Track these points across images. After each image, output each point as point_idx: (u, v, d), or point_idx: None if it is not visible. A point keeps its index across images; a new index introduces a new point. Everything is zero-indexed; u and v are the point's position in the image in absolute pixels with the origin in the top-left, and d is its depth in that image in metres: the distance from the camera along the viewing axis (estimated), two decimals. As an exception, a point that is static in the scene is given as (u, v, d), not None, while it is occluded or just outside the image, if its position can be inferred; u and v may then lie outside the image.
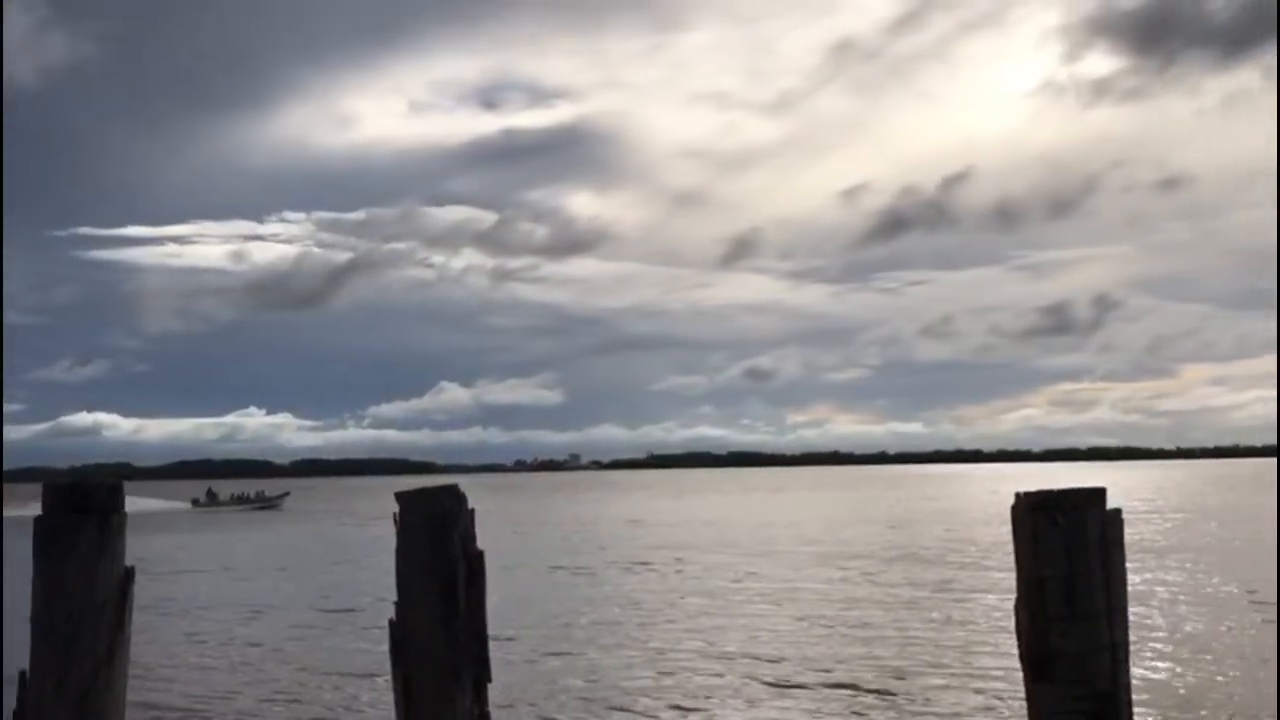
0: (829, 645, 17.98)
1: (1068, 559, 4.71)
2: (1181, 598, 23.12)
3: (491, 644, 5.25)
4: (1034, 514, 4.78)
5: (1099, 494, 4.83)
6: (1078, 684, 4.69)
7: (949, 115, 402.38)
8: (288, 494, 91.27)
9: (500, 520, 58.19)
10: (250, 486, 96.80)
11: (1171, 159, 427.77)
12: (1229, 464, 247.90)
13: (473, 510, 5.24)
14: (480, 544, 5.34)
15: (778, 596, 24.40)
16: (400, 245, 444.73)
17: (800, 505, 74.39)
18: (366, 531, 49.28)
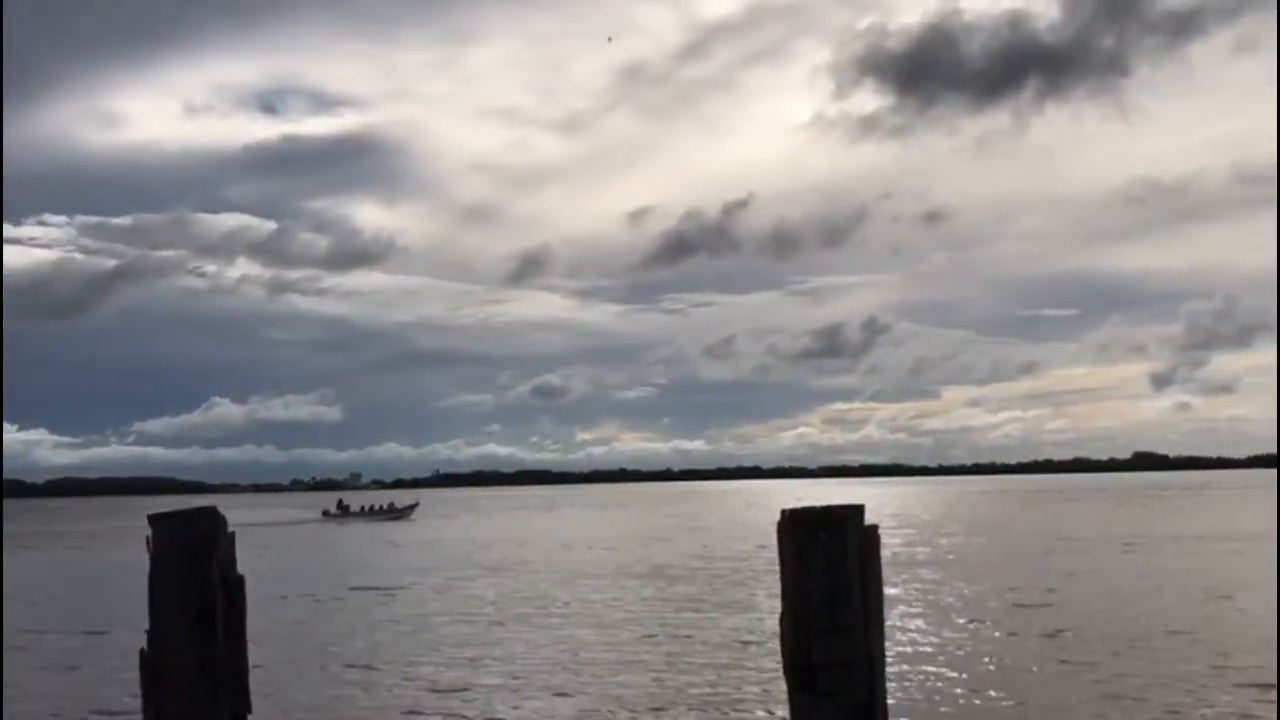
0: (574, 664, 17.98)
1: (829, 573, 4.89)
2: (938, 607, 24.44)
3: (253, 673, 5.02)
4: (797, 530, 4.95)
5: (858, 510, 5.04)
6: (837, 694, 4.87)
7: (732, 143, 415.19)
8: (417, 504, 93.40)
9: (271, 542, 55.96)
10: (381, 498, 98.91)
11: (934, 193, 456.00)
12: (985, 480, 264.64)
13: (233, 533, 5.01)
14: (243, 569, 5.11)
15: (539, 618, 24.39)
16: (170, 253, 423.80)
17: (574, 523, 74.76)
18: (115, 554, 46.24)
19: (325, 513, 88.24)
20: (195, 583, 4.94)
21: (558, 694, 15.53)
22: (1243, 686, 14.80)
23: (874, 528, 5.04)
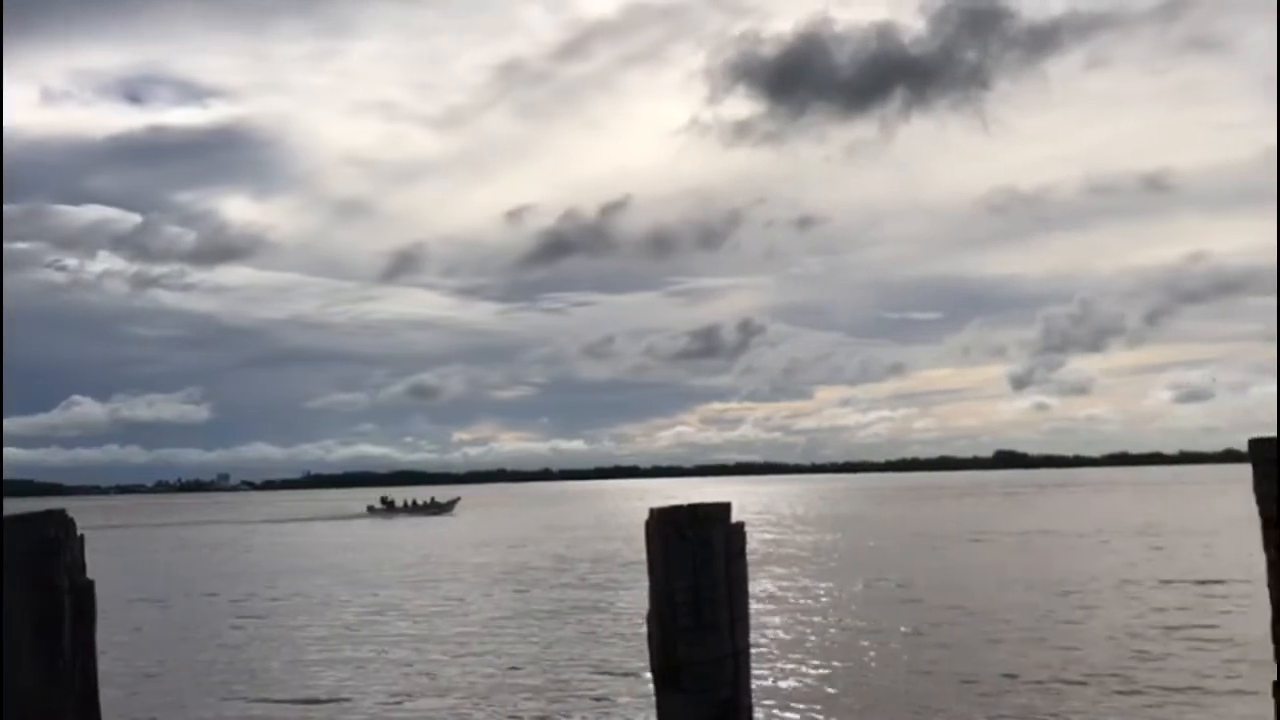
0: (404, 667, 17.88)
1: (695, 572, 4.94)
2: (802, 602, 24.95)
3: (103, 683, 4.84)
4: (664, 529, 4.99)
5: (724, 508, 5.10)
6: (703, 692, 4.92)
7: (611, 144, 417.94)
8: (459, 500, 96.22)
9: (128, 545, 54.03)
10: (422, 494, 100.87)
11: (806, 199, 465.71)
12: (855, 478, 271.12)
13: (82, 537, 4.82)
14: (94, 573, 4.93)
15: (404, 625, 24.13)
16: (27, 245, 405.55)
17: (444, 526, 73.91)
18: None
19: (370, 509, 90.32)
20: (42, 589, 4.74)
21: (397, 698, 15.36)
22: (1087, 680, 15.44)
23: (740, 525, 5.12)
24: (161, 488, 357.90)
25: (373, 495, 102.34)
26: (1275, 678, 5.85)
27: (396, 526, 72.60)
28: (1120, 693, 14.29)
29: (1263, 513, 5.77)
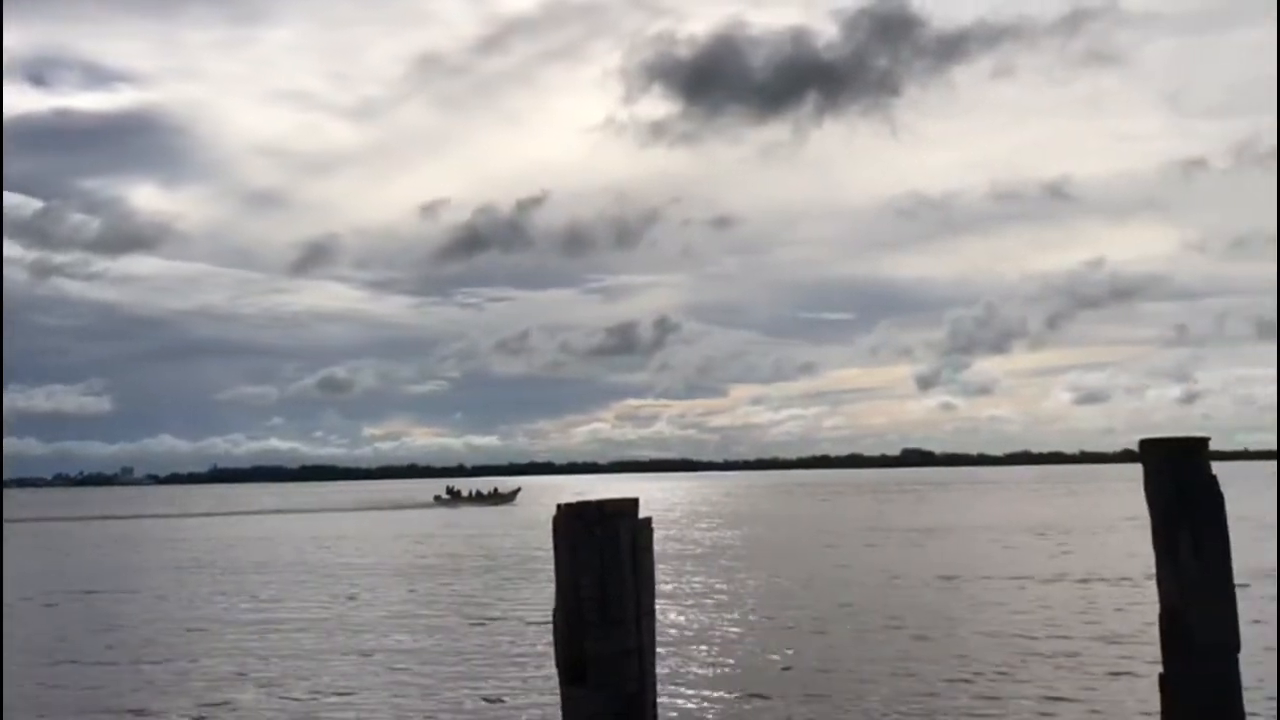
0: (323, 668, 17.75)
1: (602, 567, 4.94)
2: (708, 597, 25.17)
3: None
4: (572, 524, 4.99)
5: (632, 504, 5.11)
6: (608, 686, 4.93)
7: (528, 139, 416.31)
8: (519, 490, 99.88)
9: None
10: (485, 484, 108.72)
11: (722, 199, 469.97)
12: (767, 475, 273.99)
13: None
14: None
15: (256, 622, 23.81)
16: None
17: (340, 523, 72.93)
18: None
19: (437, 498, 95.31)
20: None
21: (290, 698, 15.15)
22: (974, 677, 15.81)
23: (648, 521, 5.13)
24: (61, 481, 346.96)
25: (289, 490, 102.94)
26: (1162, 670, 6.08)
27: (464, 515, 74.05)
28: (1006, 686, 14.64)
29: (1152, 511, 6.00)
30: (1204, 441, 5.90)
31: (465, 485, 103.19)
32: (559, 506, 5.06)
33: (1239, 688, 5.93)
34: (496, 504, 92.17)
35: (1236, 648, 5.92)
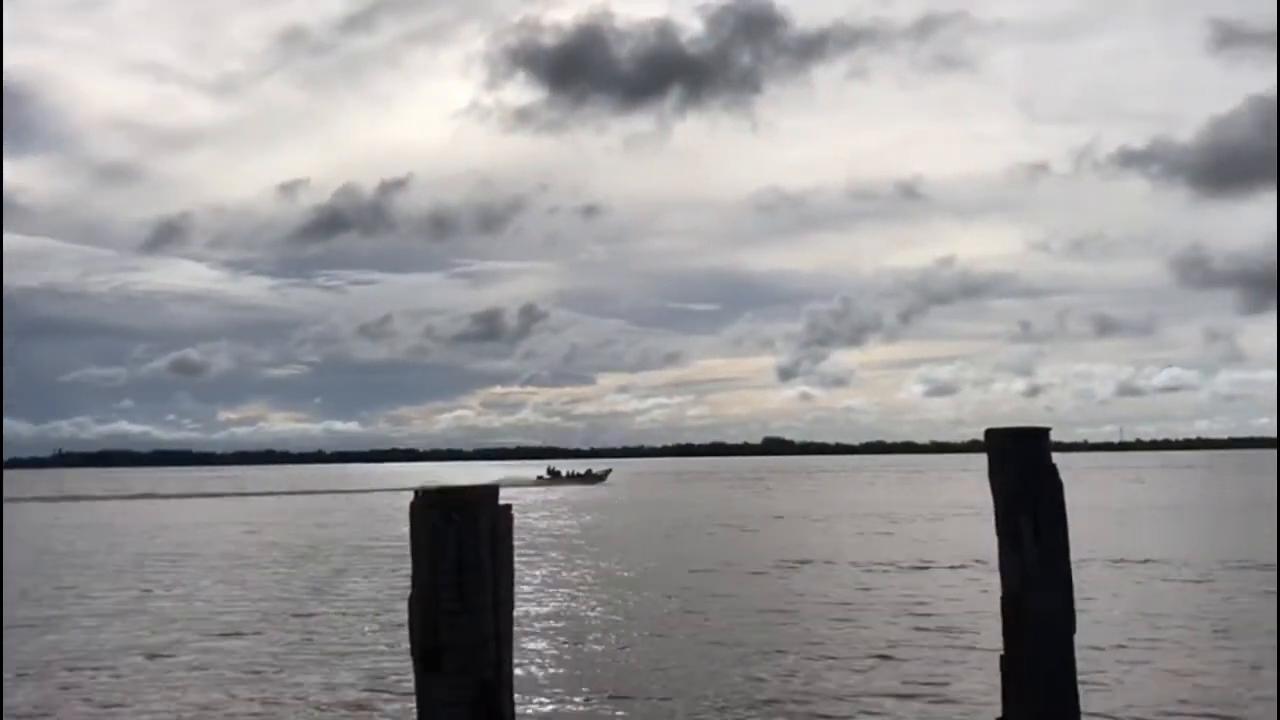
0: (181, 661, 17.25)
1: (459, 554, 4.89)
2: (568, 584, 25.27)
3: None
4: (430, 511, 4.91)
5: (492, 491, 5.06)
6: (464, 673, 4.88)
7: (393, 121, 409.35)
8: (610, 470, 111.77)
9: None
10: (580, 465, 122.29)
11: (590, 188, 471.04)
12: (633, 462, 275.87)
13: None
14: None
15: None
16: None
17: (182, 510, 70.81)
18: None
19: (539, 477, 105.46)
20: None
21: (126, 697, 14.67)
22: (818, 656, 16.25)
23: (508, 508, 5.09)
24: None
25: (139, 475, 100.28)
26: (1002, 652, 6.33)
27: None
28: (849, 674, 15.04)
29: (996, 498, 6.23)
30: (1045, 431, 6.15)
31: (564, 467, 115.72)
32: (416, 493, 4.99)
33: (1074, 667, 6.22)
34: (591, 483, 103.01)
35: (1072, 628, 6.19)
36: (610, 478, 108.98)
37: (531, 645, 16.85)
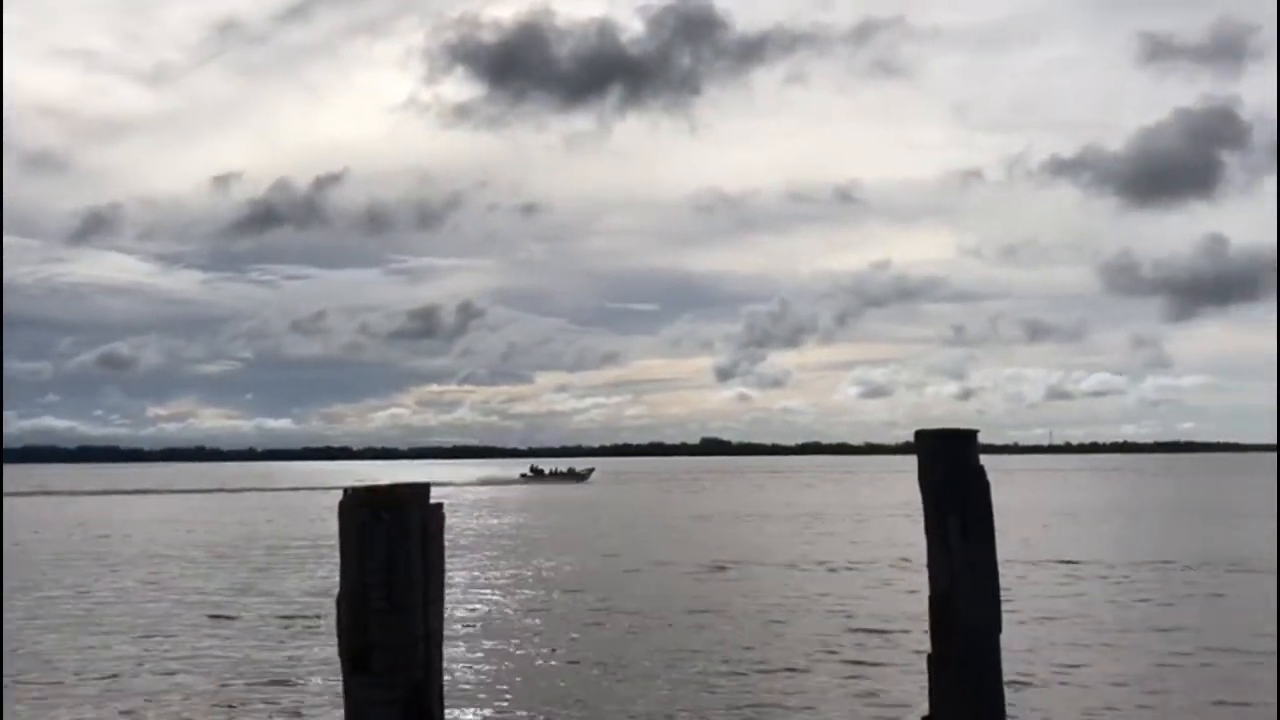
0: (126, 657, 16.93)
1: (389, 554, 4.84)
2: (500, 584, 25.17)
3: None
4: (360, 510, 4.86)
5: (423, 489, 5.02)
6: (393, 674, 4.84)
7: (329, 114, 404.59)
8: (593, 469, 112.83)
9: None
10: (563, 464, 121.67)
11: (529, 185, 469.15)
12: (571, 462, 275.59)
13: None
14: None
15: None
16: None
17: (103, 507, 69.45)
18: None
19: (523, 475, 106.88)
20: None
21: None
22: (738, 661, 16.35)
23: (439, 506, 5.05)
24: None
25: (62, 471, 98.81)
26: (930, 651, 6.41)
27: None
28: (778, 675, 15.16)
29: (925, 499, 6.31)
30: (974, 434, 6.25)
31: (547, 465, 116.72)
32: (345, 491, 4.94)
33: (999, 666, 6.31)
34: (574, 482, 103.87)
35: (998, 628, 6.29)
36: (591, 475, 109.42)
37: (461, 646, 16.73)
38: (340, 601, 4.90)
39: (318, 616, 19.46)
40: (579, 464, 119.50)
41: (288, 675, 14.93)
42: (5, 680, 14.55)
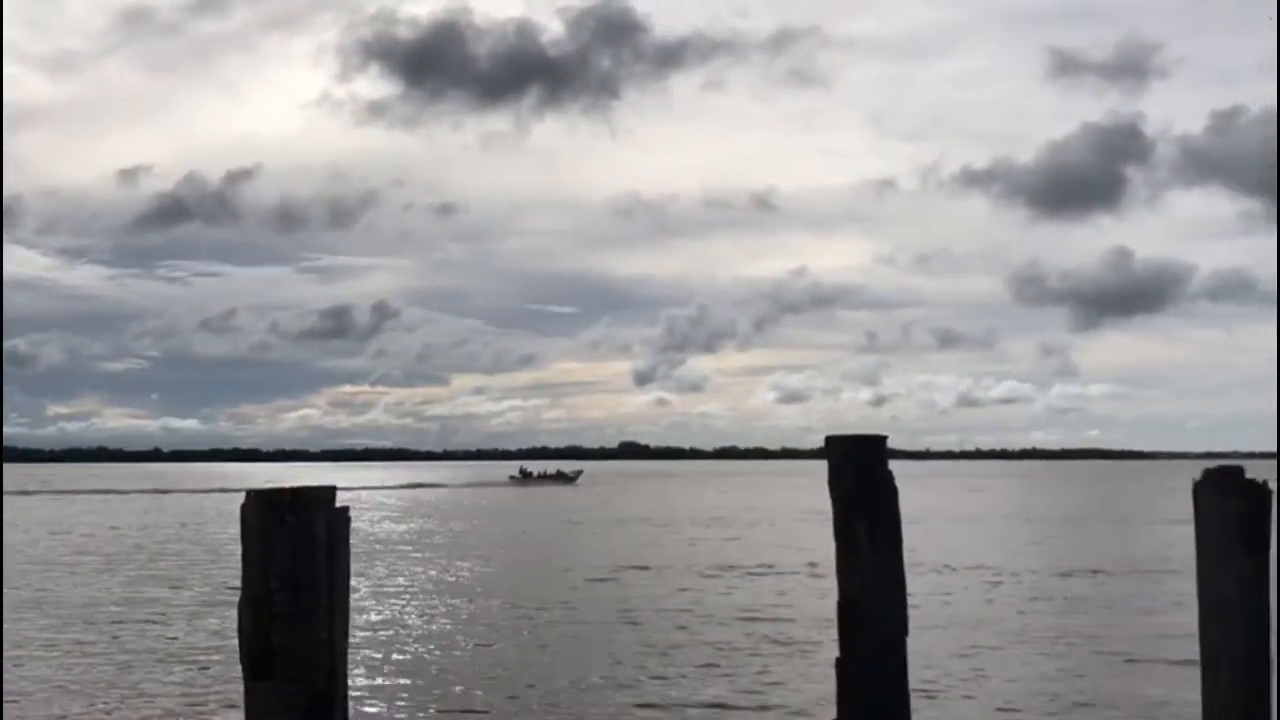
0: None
1: (293, 558, 4.74)
2: (409, 588, 24.93)
3: None
4: (262, 512, 4.75)
5: (329, 492, 4.92)
6: (296, 680, 4.73)
7: (242, 109, 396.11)
8: (581, 472, 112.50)
9: None
10: (554, 465, 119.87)
11: (446, 185, 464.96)
12: (488, 465, 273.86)
13: None
14: None
15: None
16: None
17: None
18: None
19: (511, 477, 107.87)
20: None
21: None
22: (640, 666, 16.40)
23: (344, 510, 4.96)
24: None
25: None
26: (839, 655, 6.46)
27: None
28: (685, 679, 15.21)
29: (834, 503, 6.37)
30: (882, 439, 6.32)
31: (535, 467, 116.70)
32: (248, 493, 4.82)
33: (905, 670, 6.39)
34: (562, 484, 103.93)
35: (905, 633, 6.36)
36: (580, 478, 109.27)
37: (366, 652, 16.48)
38: (241, 606, 4.78)
39: (215, 621, 19.03)
40: (567, 466, 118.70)
41: (184, 684, 14.58)
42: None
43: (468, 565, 30.46)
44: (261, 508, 4.78)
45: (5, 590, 24.33)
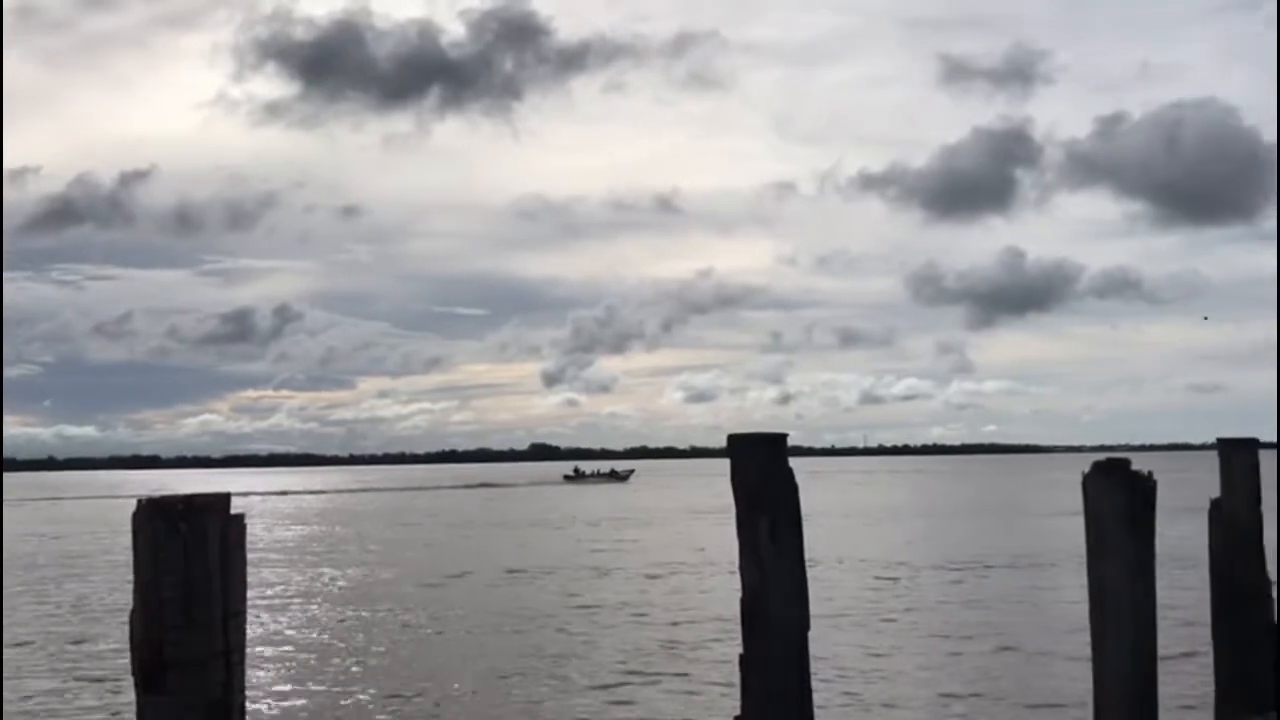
0: None
1: (187, 566, 4.62)
2: (306, 596, 24.58)
3: None
4: (154, 521, 4.62)
5: (223, 499, 4.81)
6: (190, 693, 4.60)
7: (136, 109, 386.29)
8: (633, 471, 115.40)
9: None
10: (608, 464, 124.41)
11: (348, 186, 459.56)
12: (391, 469, 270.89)
13: None
14: None
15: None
16: None
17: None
18: None
19: (566, 477, 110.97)
20: None
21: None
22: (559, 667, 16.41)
23: (240, 517, 4.85)
24: None
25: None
26: (742, 650, 6.53)
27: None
28: (594, 673, 15.27)
29: (737, 501, 6.43)
30: (783, 437, 6.39)
31: (589, 467, 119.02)
32: (139, 501, 4.68)
33: (808, 664, 6.48)
34: (616, 482, 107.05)
35: (807, 628, 6.45)
36: (631, 476, 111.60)
37: (263, 663, 16.17)
38: (133, 617, 4.65)
39: (104, 632, 18.47)
40: (620, 465, 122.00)
41: (72, 699, 14.16)
42: None
43: (362, 571, 30.10)
44: (153, 515, 4.65)
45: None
